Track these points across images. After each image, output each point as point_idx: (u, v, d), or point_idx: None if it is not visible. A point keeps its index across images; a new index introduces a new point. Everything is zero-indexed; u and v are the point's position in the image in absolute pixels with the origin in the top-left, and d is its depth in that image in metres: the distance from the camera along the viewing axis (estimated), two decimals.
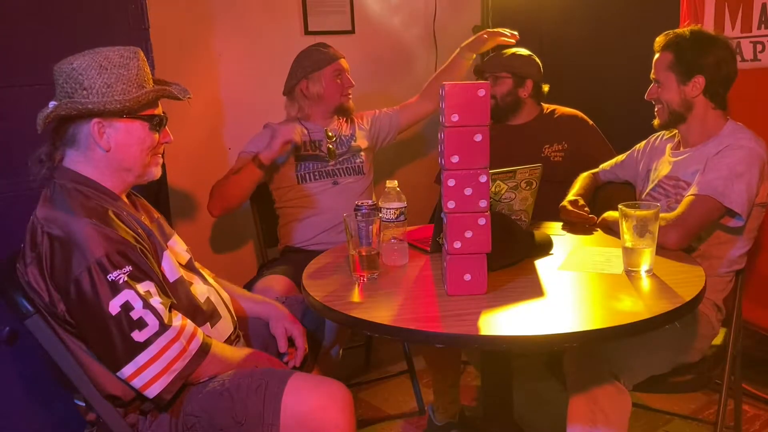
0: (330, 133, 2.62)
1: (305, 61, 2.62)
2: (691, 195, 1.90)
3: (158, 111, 1.64)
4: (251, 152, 2.54)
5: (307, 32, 3.12)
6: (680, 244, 1.85)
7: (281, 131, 2.45)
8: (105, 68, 1.53)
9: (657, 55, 2.07)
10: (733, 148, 1.94)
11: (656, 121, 2.11)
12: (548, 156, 2.66)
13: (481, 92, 1.49)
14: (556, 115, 2.76)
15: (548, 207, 2.19)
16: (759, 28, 2.38)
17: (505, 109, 2.74)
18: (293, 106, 2.68)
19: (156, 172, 1.67)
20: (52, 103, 1.55)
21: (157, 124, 1.63)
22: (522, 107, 2.75)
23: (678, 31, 2.06)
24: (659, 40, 2.06)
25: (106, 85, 1.53)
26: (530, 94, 2.74)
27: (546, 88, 2.77)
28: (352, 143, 2.69)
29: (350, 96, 2.68)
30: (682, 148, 2.10)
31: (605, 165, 2.40)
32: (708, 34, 2.05)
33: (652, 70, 2.08)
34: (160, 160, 1.68)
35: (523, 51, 2.76)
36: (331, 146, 2.61)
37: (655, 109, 2.10)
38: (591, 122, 2.72)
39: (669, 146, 2.16)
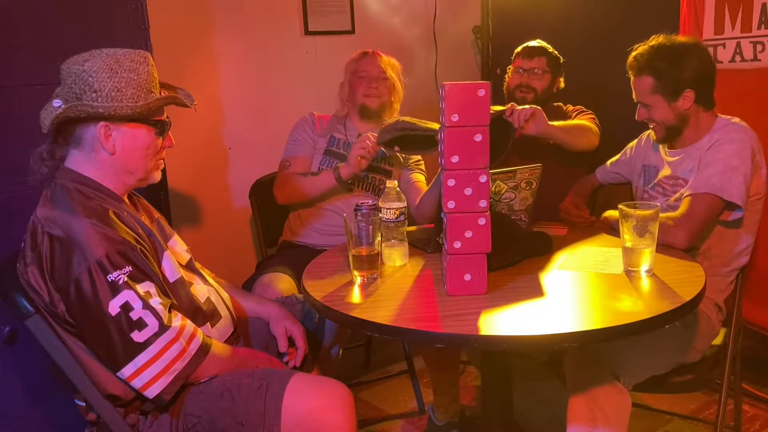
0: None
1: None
2: (692, 194, 1.91)
3: (163, 117, 1.64)
4: (294, 156, 2.54)
5: (307, 32, 3.12)
6: (689, 243, 1.86)
7: (355, 146, 2.38)
8: (115, 72, 1.52)
9: (633, 78, 2.04)
10: (723, 142, 1.95)
11: (653, 136, 2.13)
12: (537, 137, 2.64)
13: (481, 92, 1.49)
14: (554, 105, 2.73)
15: (548, 193, 2.14)
16: (759, 28, 2.38)
17: (541, 102, 2.68)
18: (340, 101, 2.70)
19: (157, 177, 1.68)
20: (56, 102, 1.55)
21: (162, 129, 1.63)
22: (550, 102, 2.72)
23: (644, 50, 2.00)
24: (632, 64, 2.03)
25: (116, 89, 1.52)
26: (557, 92, 2.72)
27: (562, 84, 2.74)
28: (384, 165, 2.61)
29: (375, 99, 2.59)
30: (678, 148, 2.10)
31: (610, 160, 2.39)
32: (677, 43, 2.00)
33: (634, 94, 2.05)
34: (162, 165, 1.69)
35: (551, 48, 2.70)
36: None
37: (651, 127, 2.10)
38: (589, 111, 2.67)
39: (665, 144, 2.16)
